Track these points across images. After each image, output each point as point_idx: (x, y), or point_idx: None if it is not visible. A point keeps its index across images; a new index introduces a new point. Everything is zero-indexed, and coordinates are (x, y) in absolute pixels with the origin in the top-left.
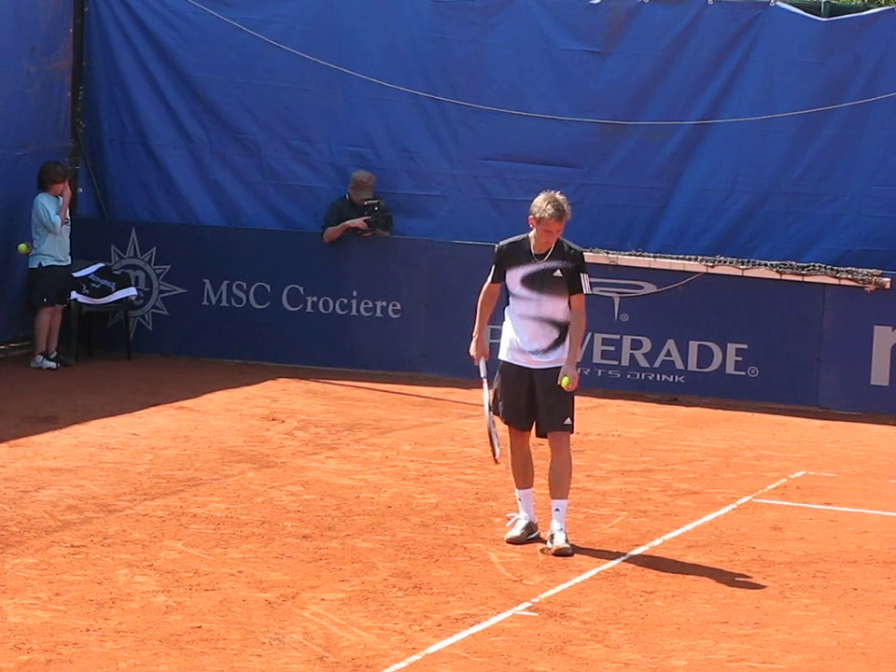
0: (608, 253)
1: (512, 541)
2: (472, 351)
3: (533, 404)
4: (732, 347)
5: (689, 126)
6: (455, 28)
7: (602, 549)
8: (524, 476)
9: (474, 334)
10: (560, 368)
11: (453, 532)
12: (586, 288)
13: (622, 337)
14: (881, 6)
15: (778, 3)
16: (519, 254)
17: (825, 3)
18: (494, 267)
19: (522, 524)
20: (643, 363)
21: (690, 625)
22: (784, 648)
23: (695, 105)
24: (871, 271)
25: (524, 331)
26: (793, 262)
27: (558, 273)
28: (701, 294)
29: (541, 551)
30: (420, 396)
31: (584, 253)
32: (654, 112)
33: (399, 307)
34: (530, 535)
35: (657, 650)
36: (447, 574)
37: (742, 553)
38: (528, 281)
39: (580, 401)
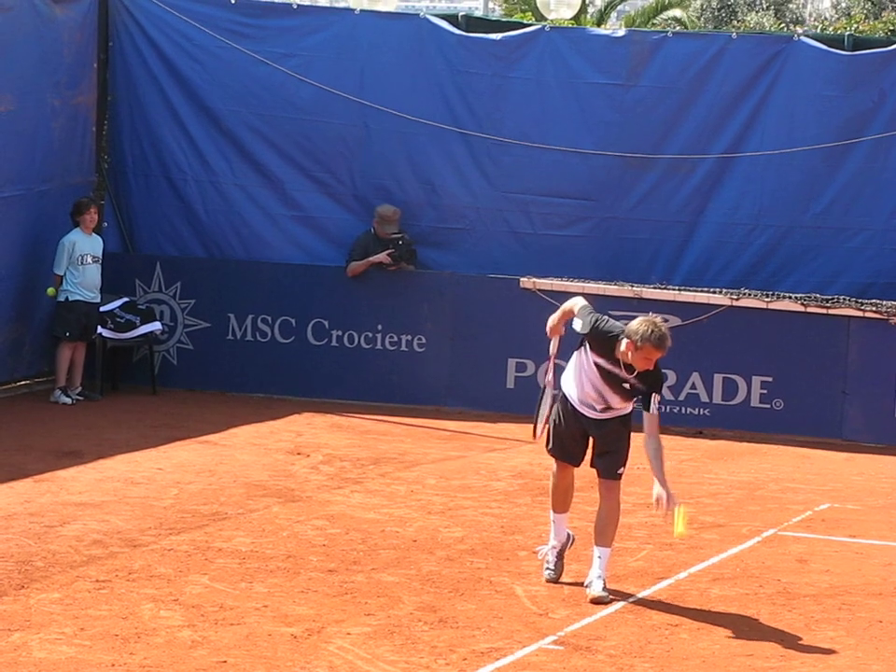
0: (632, 286)
1: (551, 581)
2: (549, 325)
3: (586, 443)
4: (757, 380)
5: (712, 159)
6: (479, 62)
7: (628, 582)
8: (563, 502)
9: (554, 317)
10: (617, 419)
11: (478, 566)
12: (654, 409)
13: None
14: None
15: (802, 38)
16: (606, 347)
17: (848, 37)
18: (591, 320)
19: (553, 558)
20: (668, 396)
21: (715, 658)
22: None
23: (719, 138)
24: (895, 303)
25: (586, 395)
26: (818, 295)
27: (627, 385)
28: (726, 327)
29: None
30: (445, 430)
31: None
32: (677, 145)
33: (423, 340)
34: (563, 561)
35: None
36: (473, 608)
37: (767, 586)
38: (604, 372)
39: None
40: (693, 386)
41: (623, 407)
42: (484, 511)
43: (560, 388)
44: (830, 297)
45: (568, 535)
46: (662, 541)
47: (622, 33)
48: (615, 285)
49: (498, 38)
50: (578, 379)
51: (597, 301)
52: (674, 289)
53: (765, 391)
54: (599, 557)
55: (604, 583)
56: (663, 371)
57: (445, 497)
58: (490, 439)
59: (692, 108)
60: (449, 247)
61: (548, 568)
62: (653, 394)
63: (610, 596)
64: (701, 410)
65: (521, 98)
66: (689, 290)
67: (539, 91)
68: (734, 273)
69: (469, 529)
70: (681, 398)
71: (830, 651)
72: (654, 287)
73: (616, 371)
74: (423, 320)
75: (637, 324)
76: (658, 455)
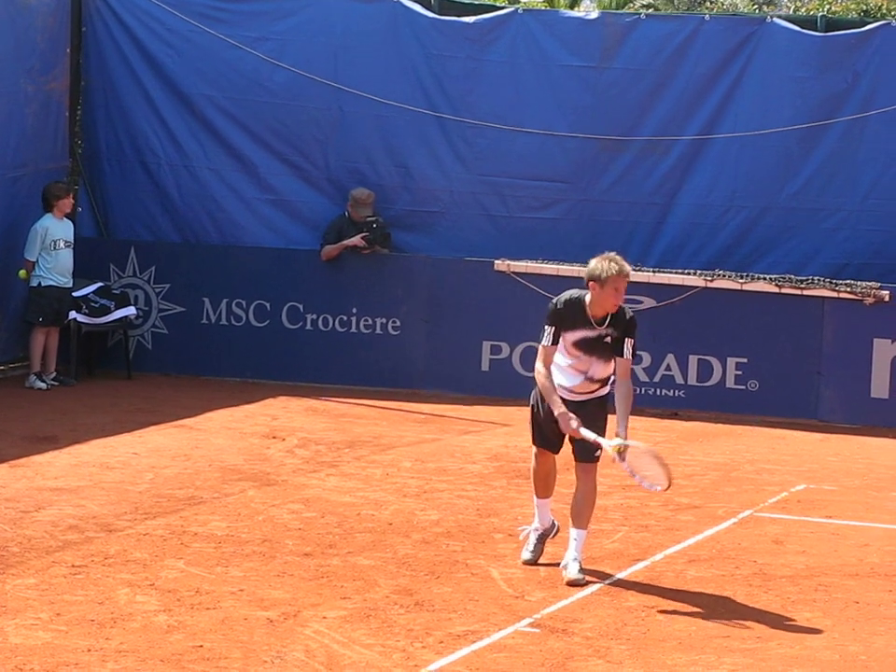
0: None
1: (528, 563)
2: (571, 427)
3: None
4: (731, 361)
5: (686, 141)
6: (453, 45)
7: (603, 564)
8: (545, 487)
9: (557, 411)
10: (595, 399)
11: (454, 549)
12: (627, 354)
13: None
14: (877, 20)
15: (775, 19)
16: (576, 316)
17: (821, 18)
18: (552, 329)
19: (534, 539)
20: (643, 378)
21: (692, 640)
22: (786, 662)
23: (693, 120)
24: (870, 284)
25: (567, 380)
26: (792, 276)
27: (608, 339)
28: (700, 308)
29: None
30: (420, 412)
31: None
32: (651, 127)
33: (398, 324)
34: (544, 546)
35: (660, 664)
36: (449, 591)
37: (744, 567)
38: (582, 344)
39: None
40: (668, 368)
41: (606, 372)
42: (460, 493)
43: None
44: (804, 278)
45: (553, 523)
46: (637, 523)
47: (595, 15)
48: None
49: (472, 21)
50: (561, 373)
51: (572, 284)
52: (649, 271)
53: (740, 372)
54: (575, 539)
55: (580, 565)
56: (638, 351)
57: (421, 479)
58: (465, 421)
59: (665, 90)
60: (423, 230)
61: (527, 550)
62: (626, 339)
63: (586, 578)
64: (676, 391)
65: (495, 81)
66: (664, 272)
67: (513, 73)
68: (708, 254)
69: (445, 512)
70: (656, 379)
71: (806, 632)
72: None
73: (592, 333)
74: (398, 303)
75: (592, 267)
76: (627, 397)
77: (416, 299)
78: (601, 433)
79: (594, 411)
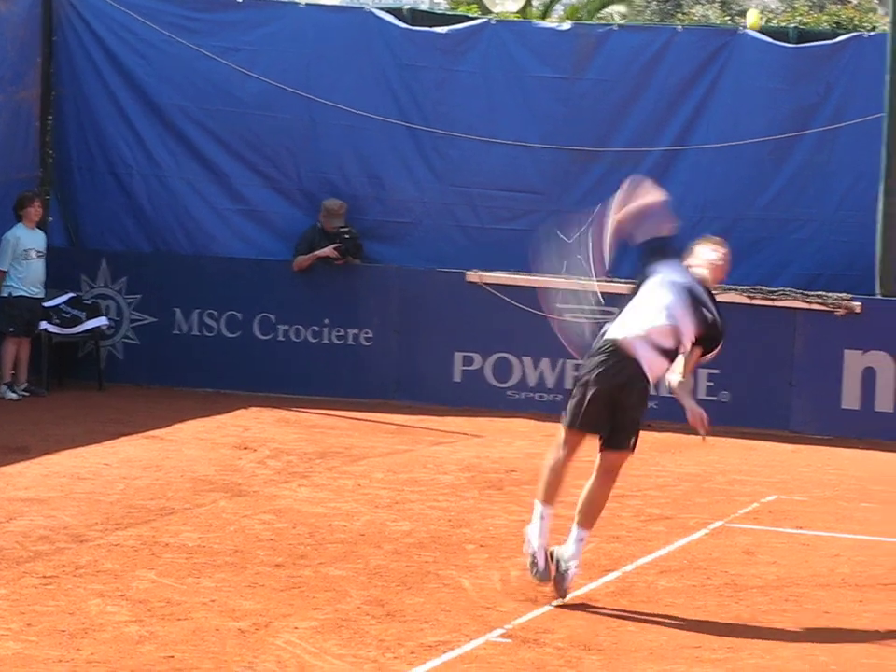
0: (578, 279)
1: (545, 581)
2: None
3: (611, 411)
4: (703, 372)
5: (658, 152)
6: (425, 55)
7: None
8: (557, 488)
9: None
10: (643, 386)
11: (426, 559)
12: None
13: None
14: (849, 31)
15: (747, 30)
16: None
17: (793, 29)
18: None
19: (542, 562)
20: None
21: (663, 650)
22: None
23: (665, 131)
24: (841, 295)
25: (656, 329)
26: (764, 287)
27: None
28: None
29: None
30: (392, 423)
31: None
32: (623, 139)
33: (370, 335)
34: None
35: None
36: (420, 601)
37: (715, 578)
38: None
39: (551, 427)
40: None
41: (666, 345)
42: (432, 504)
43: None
44: (776, 289)
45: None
46: (609, 534)
47: (567, 26)
48: (562, 278)
49: (444, 32)
50: (647, 313)
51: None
52: (620, 282)
53: (712, 383)
54: (581, 540)
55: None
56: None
57: (392, 490)
58: (437, 432)
59: (637, 101)
60: (395, 241)
61: (538, 573)
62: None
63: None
64: (649, 402)
65: (467, 92)
66: (634, 283)
67: (486, 84)
68: None
69: (417, 523)
70: None
71: (777, 642)
72: (601, 280)
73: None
74: (369, 314)
75: (703, 253)
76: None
77: (388, 310)
78: (638, 424)
79: (641, 394)
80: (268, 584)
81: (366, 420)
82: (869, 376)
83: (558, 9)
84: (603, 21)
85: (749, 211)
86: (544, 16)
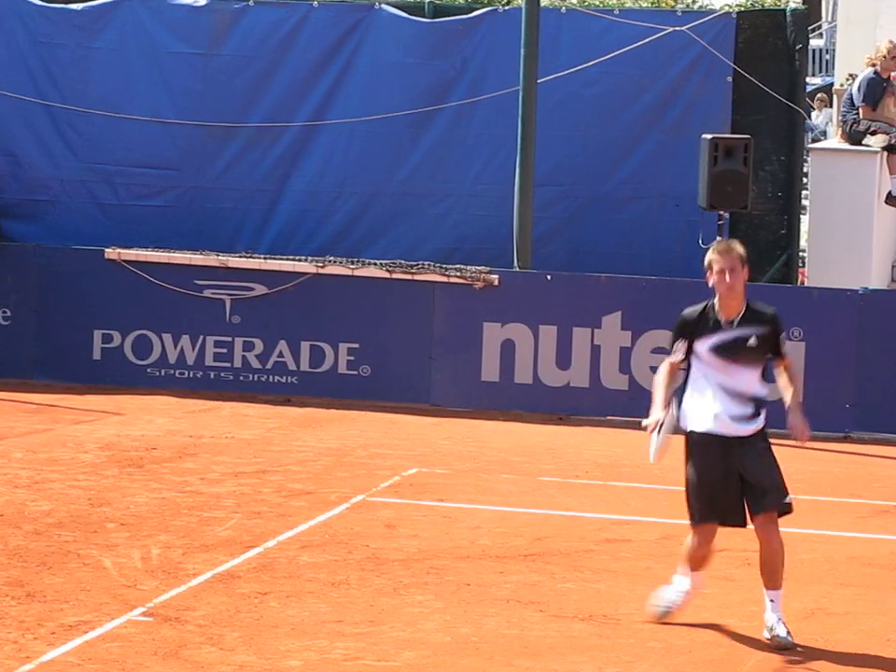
0: (217, 255)
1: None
2: (651, 419)
3: (740, 489)
4: (343, 347)
5: (296, 128)
6: (61, 32)
7: (216, 551)
8: (703, 563)
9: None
10: (757, 434)
11: (66, 539)
12: (784, 350)
13: (234, 339)
14: (484, 6)
15: (383, 5)
16: (704, 318)
17: (429, 4)
18: (674, 341)
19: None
20: (256, 365)
21: (305, 625)
22: (398, 645)
23: (303, 107)
24: (479, 268)
25: (718, 400)
26: (403, 261)
27: (752, 341)
28: (312, 295)
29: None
30: (31, 402)
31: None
32: (261, 114)
33: (8, 313)
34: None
35: (272, 651)
36: (61, 581)
37: (356, 552)
38: (723, 351)
39: (191, 404)
40: (281, 355)
41: (757, 380)
42: (72, 483)
43: (681, 422)
44: (415, 263)
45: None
46: (250, 510)
47: (203, 2)
48: (201, 254)
49: (80, 9)
50: (702, 393)
51: (184, 271)
52: (259, 258)
53: (352, 358)
54: (772, 601)
55: (786, 626)
56: (251, 338)
57: (32, 470)
58: (77, 411)
59: (275, 77)
60: (34, 219)
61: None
62: (781, 335)
63: (794, 642)
64: (289, 378)
65: (104, 68)
66: (274, 258)
67: (122, 61)
68: (319, 240)
69: (57, 502)
70: (269, 366)
71: (418, 615)
72: (240, 256)
73: (729, 336)
74: (8, 293)
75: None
76: (798, 377)
77: (27, 288)
78: (781, 476)
79: (761, 446)
80: None
81: (5, 400)
82: (508, 348)
83: None
84: None
85: (387, 186)
86: None
